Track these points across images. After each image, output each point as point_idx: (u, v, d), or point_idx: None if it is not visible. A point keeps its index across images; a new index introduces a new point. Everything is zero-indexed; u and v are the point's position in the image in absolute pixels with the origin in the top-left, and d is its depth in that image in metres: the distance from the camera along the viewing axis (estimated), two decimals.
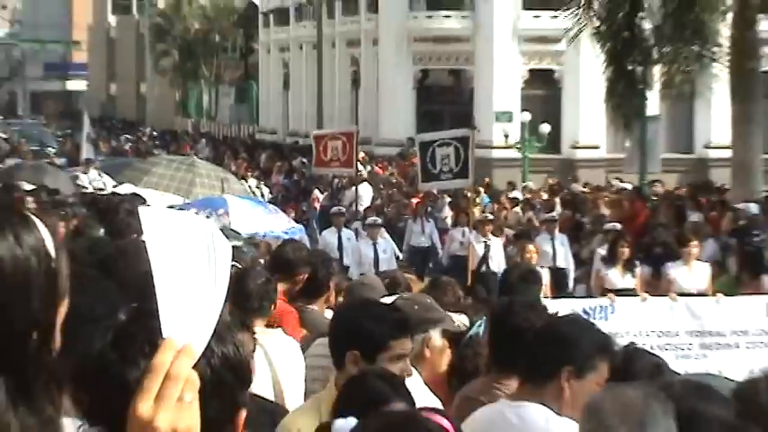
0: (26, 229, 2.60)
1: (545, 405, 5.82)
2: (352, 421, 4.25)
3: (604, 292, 18.44)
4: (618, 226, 24.82)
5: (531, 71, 53.59)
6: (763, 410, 5.10)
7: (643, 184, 34.76)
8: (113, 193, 22.54)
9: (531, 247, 21.51)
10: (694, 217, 28.85)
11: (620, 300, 14.23)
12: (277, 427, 6.14)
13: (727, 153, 34.78)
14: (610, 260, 21.29)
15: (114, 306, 2.82)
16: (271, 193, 39.70)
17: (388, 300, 8.74)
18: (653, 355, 6.87)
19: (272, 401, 7.33)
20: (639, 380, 5.62)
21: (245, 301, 8.20)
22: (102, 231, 12.29)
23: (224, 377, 2.72)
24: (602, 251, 22.58)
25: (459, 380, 7.54)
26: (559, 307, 9.03)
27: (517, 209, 33.15)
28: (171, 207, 16.57)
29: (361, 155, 33.12)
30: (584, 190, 37.77)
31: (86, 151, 43.79)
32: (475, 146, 25.76)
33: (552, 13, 42.58)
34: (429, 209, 31.36)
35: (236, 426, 2.80)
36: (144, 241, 2.58)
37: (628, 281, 20.34)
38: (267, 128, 70.36)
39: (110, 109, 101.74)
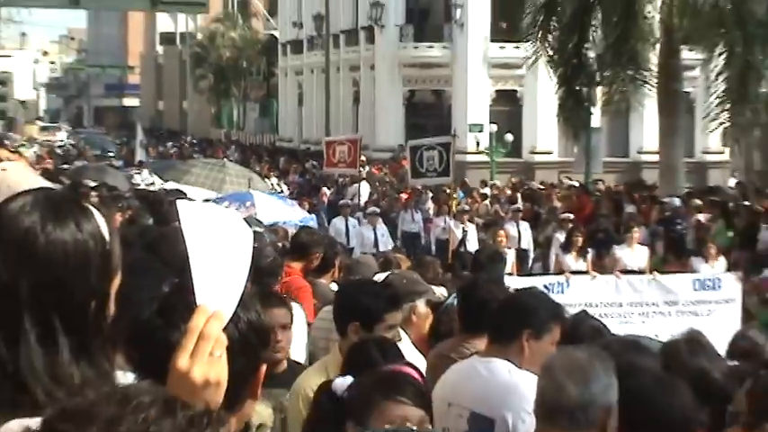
0: (86, 218, 2.63)
1: (509, 360, 5.81)
2: (348, 379, 4.23)
3: (561, 271, 18.45)
4: (571, 216, 24.89)
5: (498, 91, 53.58)
6: (684, 365, 5.12)
7: (588, 182, 34.76)
8: (161, 189, 22.51)
9: (501, 232, 21.68)
10: (629, 209, 28.88)
11: (574, 277, 14.25)
12: (292, 386, 6.10)
13: (656, 157, 34.78)
14: (566, 247, 21.36)
15: (159, 281, 2.82)
16: (288, 189, 39.71)
17: (382, 275, 8.74)
18: (595, 320, 6.87)
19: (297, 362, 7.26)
20: (584, 341, 5.62)
21: (256, 277, 8.19)
22: (150, 220, 12.27)
23: (249, 338, 2.72)
24: (561, 237, 22.62)
25: (436, 339, 7.55)
26: (524, 283, 9.01)
27: (486, 202, 33.17)
28: (206, 200, 16.59)
29: (362, 158, 33.07)
30: (541, 187, 37.77)
31: (139, 155, 43.77)
32: (455, 150, 25.79)
33: (515, 44, 42.57)
34: (416, 201, 31.39)
35: (258, 377, 2.80)
36: (181, 227, 2.59)
37: (581, 264, 20.39)
38: (285, 137, 70.36)
39: (158, 121, 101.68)
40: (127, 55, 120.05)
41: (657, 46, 30.58)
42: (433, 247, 26.99)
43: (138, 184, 31.14)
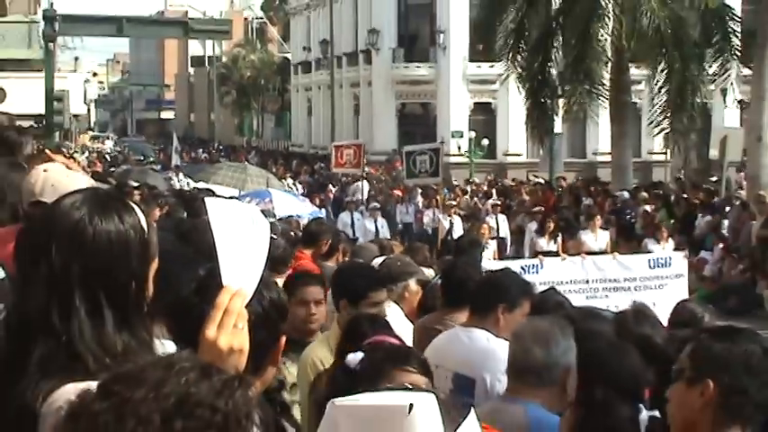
0: (127, 212, 2.68)
1: (487, 330, 5.80)
2: (360, 354, 4.22)
3: (536, 254, 18.43)
4: (542, 208, 24.94)
5: (475, 103, 53.49)
6: (630, 331, 5.17)
7: (552, 180, 34.75)
8: (193, 189, 22.50)
9: (484, 226, 21.82)
10: (587, 201, 28.86)
11: (546, 259, 14.16)
12: (300, 357, 6.06)
13: (608, 158, 34.77)
14: (540, 232, 21.51)
15: (197, 266, 2.85)
16: (302, 187, 39.64)
17: (378, 259, 8.74)
18: (560, 295, 6.86)
19: None
20: (549, 312, 5.61)
21: (269, 264, 8.18)
22: (185, 214, 12.26)
23: (270, 314, 2.78)
24: (532, 226, 22.70)
25: (423, 313, 7.55)
26: (504, 266, 9.01)
27: (466, 197, 33.15)
28: (230, 197, 16.56)
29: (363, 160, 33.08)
30: (512, 183, 37.77)
31: (175, 160, 43.68)
32: (443, 154, 25.85)
33: (489, 63, 42.62)
34: (409, 197, 31.42)
35: (278, 347, 2.83)
36: (208, 219, 2.61)
37: (552, 246, 20.53)
38: (297, 143, 70.30)
39: (190, 131, 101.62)
40: (163, 75, 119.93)
41: (609, 64, 30.56)
42: (422, 236, 26.97)
43: (175, 185, 31.16)
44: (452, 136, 48.11)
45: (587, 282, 13.95)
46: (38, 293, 2.55)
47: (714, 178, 31.83)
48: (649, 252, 17.88)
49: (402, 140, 48.14)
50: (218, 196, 13.22)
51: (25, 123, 23.36)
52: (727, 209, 25.25)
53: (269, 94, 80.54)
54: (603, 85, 30.40)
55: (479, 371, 5.64)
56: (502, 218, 26.23)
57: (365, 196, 31.75)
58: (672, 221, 24.82)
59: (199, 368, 1.86)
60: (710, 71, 30.02)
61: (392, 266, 7.93)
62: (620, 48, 29.94)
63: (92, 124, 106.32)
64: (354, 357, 4.20)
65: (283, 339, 2.84)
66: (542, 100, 31.81)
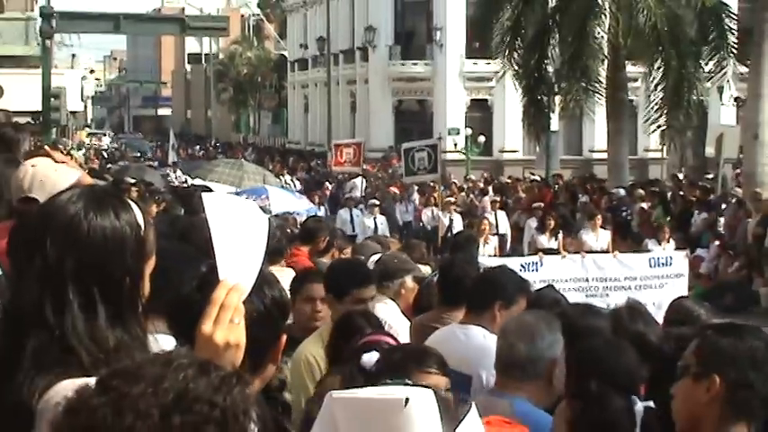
0: (124, 209, 2.68)
1: (483, 327, 5.81)
2: (375, 355, 4.19)
3: (537, 251, 18.38)
4: (542, 204, 24.85)
5: (472, 100, 53.53)
6: (625, 329, 5.19)
7: (548, 177, 34.76)
8: (190, 185, 22.49)
9: (485, 222, 21.75)
10: (583, 199, 28.90)
11: (546, 257, 14.14)
12: (294, 354, 6.05)
13: (605, 155, 34.74)
14: (540, 229, 21.43)
15: (198, 263, 2.85)
16: (300, 184, 39.62)
17: (375, 257, 8.75)
18: (556, 293, 6.86)
19: None
20: (545, 309, 5.61)
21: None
22: (182, 211, 12.26)
23: (272, 312, 2.77)
24: (532, 223, 22.62)
25: (419, 310, 7.56)
26: (504, 263, 8.99)
27: (463, 194, 33.13)
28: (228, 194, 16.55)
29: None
30: (508, 180, 37.74)
31: (172, 156, 43.80)
32: (441, 151, 25.76)
33: (486, 60, 42.60)
34: (407, 195, 31.40)
35: (278, 345, 2.82)
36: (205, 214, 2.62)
37: (553, 243, 20.45)
38: (294, 140, 70.29)
39: (187, 127, 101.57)
40: (160, 72, 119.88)
41: (606, 62, 30.57)
42: (421, 233, 26.93)
43: (172, 181, 31.16)
44: (449, 133, 48.08)
45: (587, 280, 13.92)
46: (32, 287, 2.56)
47: (710, 176, 31.85)
48: (650, 251, 17.86)
49: (399, 137, 48.19)
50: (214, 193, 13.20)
51: (22, 120, 23.39)
52: (724, 206, 25.27)
53: (266, 92, 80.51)
54: (600, 82, 30.41)
55: (476, 368, 5.64)
56: (501, 214, 26.17)
57: (361, 193, 31.73)
58: (668, 219, 24.82)
59: (197, 365, 1.88)
60: (707, 69, 30.04)
61: (389, 263, 7.93)
62: (616, 45, 29.95)
63: (89, 121, 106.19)
64: (370, 358, 4.18)
65: (284, 338, 2.84)
66: (539, 97, 31.82)
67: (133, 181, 18.30)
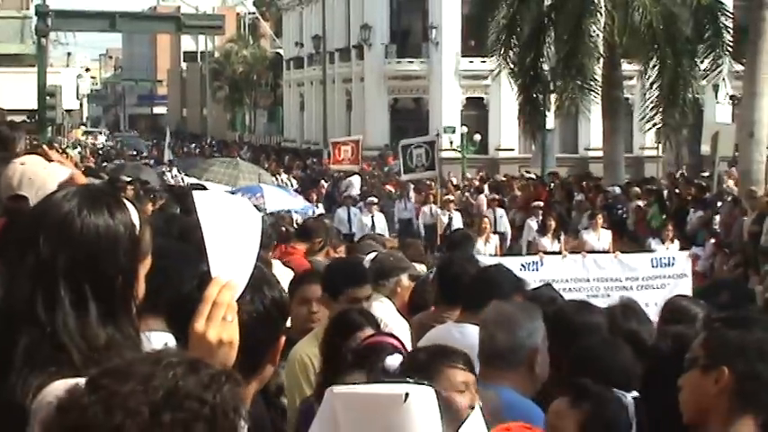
0: (118, 208, 2.68)
1: (478, 326, 5.80)
2: (398, 357, 4.18)
3: (537, 251, 18.30)
4: (541, 204, 24.77)
5: (468, 98, 53.58)
6: (618, 326, 5.22)
7: (544, 175, 34.76)
8: (187, 184, 22.50)
9: (485, 220, 21.66)
10: (579, 197, 28.89)
11: (547, 257, 14.14)
12: (289, 354, 6.03)
13: (600, 153, 34.77)
14: (542, 231, 21.32)
15: (195, 262, 2.84)
16: (297, 183, 39.58)
17: (371, 255, 8.75)
18: (553, 291, 6.86)
19: None
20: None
21: None
22: (178, 210, 12.25)
23: (271, 312, 2.75)
24: (532, 223, 22.54)
25: (414, 307, 7.56)
26: (505, 263, 8.96)
27: (458, 192, 33.11)
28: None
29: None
30: (504, 178, 37.74)
31: (167, 155, 43.74)
32: (438, 149, 25.70)
33: (482, 59, 42.59)
34: (406, 193, 31.34)
35: (277, 346, 2.81)
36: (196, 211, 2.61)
37: (556, 246, 20.36)
38: (289, 138, 70.31)
39: (182, 126, 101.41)
40: (156, 70, 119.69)
41: (601, 60, 30.58)
42: (421, 231, 26.90)
43: (168, 180, 31.16)
44: (444, 131, 48.05)
45: (588, 280, 13.91)
46: (24, 285, 2.56)
47: (706, 174, 31.86)
48: (652, 251, 17.82)
49: (394, 136, 48.22)
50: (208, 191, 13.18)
51: (18, 119, 23.33)
52: (719, 204, 25.27)
53: (261, 90, 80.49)
54: (595, 80, 30.42)
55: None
56: (500, 212, 26.06)
57: (357, 191, 31.69)
58: (664, 217, 24.83)
59: (186, 363, 1.89)
60: (702, 67, 30.05)
61: (384, 262, 7.93)
62: (612, 43, 29.96)
63: (84, 119, 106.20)
64: (393, 360, 4.15)
65: (283, 339, 2.82)
66: (534, 95, 31.81)
67: (129, 179, 18.28)
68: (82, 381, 1.89)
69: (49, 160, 4.47)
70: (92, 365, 2.34)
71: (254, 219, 2.67)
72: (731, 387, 3.24)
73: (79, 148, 58.30)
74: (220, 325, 2.43)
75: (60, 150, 33.71)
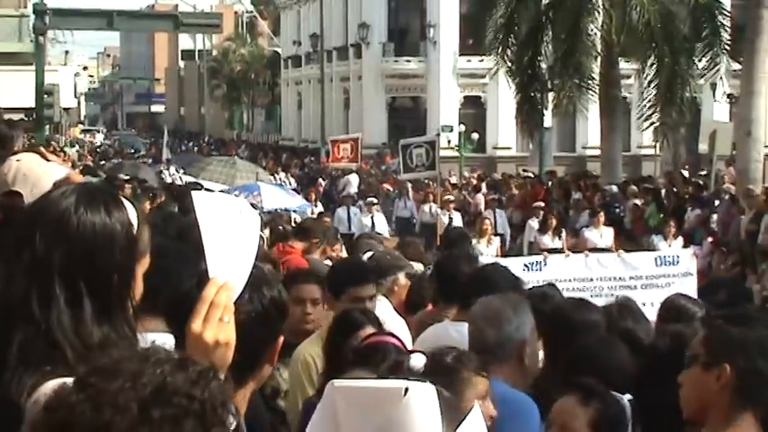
0: (116, 206, 2.67)
1: None
2: (422, 358, 4.17)
3: (541, 252, 18.27)
4: (542, 204, 24.69)
5: (465, 97, 53.58)
6: (615, 325, 5.24)
7: (542, 173, 34.77)
8: (185, 183, 22.51)
9: (486, 221, 21.57)
10: (576, 195, 28.88)
11: (551, 256, 14.13)
12: (293, 354, 6.00)
13: (598, 151, 34.82)
14: (542, 229, 21.26)
15: (194, 261, 2.83)
16: (295, 181, 39.56)
17: (369, 253, 8.75)
18: (554, 289, 6.85)
19: None
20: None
21: None
22: (175, 208, 12.26)
23: (270, 312, 2.74)
24: (533, 223, 22.48)
25: (411, 305, 7.57)
26: (508, 263, 8.95)
27: (456, 191, 33.09)
28: (220, 191, 16.56)
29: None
30: (501, 177, 37.75)
31: (165, 153, 43.70)
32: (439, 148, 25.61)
33: (479, 57, 42.60)
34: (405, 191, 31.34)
35: (276, 346, 2.80)
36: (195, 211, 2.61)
37: (556, 243, 20.32)
38: (287, 137, 70.30)
39: (180, 124, 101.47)
40: (154, 69, 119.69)
41: (599, 58, 30.60)
42: (421, 231, 26.81)
43: (166, 178, 31.17)
44: (442, 130, 48.02)
45: (591, 280, 13.89)
46: (19, 281, 2.56)
47: (703, 172, 31.88)
48: (656, 249, 17.78)
49: (392, 134, 48.28)
50: (208, 190, 13.19)
51: (15, 117, 23.31)
52: (717, 203, 25.28)
53: (259, 88, 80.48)
54: (593, 79, 30.44)
55: None
56: (500, 212, 25.93)
57: (355, 190, 31.68)
58: (661, 216, 24.83)
59: (174, 360, 1.90)
60: (700, 65, 30.06)
61: (381, 260, 7.94)
62: (609, 42, 29.97)
63: (82, 118, 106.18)
64: (418, 360, 4.15)
65: (281, 339, 2.82)
66: (532, 94, 31.83)
67: (127, 178, 18.29)
68: (69, 380, 1.90)
69: (47, 161, 4.47)
70: (85, 364, 2.34)
71: (252, 220, 2.67)
72: (732, 384, 3.25)
73: (77, 147, 58.33)
74: (217, 326, 2.43)
75: (57, 150, 33.66)
